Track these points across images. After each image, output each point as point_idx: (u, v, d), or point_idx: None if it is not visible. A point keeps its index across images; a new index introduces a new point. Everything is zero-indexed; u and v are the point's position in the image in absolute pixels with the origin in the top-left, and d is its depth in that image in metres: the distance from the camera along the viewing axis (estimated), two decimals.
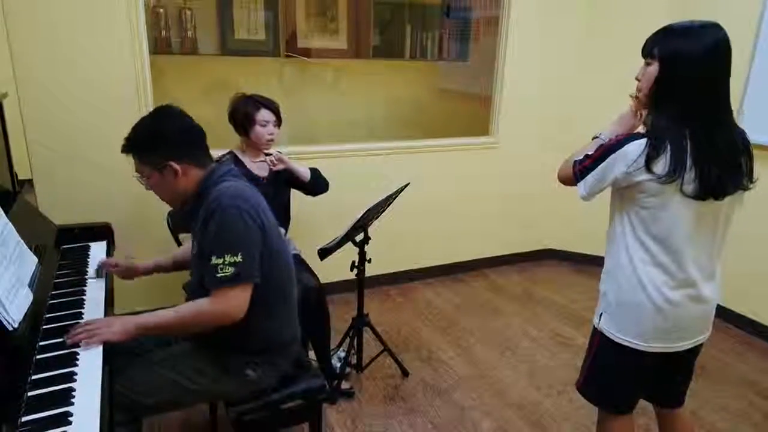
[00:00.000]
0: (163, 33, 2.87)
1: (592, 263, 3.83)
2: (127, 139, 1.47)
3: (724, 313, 2.95)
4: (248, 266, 1.38)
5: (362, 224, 2.19)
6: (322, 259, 2.11)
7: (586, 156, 1.36)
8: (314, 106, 3.36)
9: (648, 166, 1.23)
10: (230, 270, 1.35)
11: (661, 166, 1.22)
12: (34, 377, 1.18)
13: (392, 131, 3.52)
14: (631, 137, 1.28)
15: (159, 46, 2.83)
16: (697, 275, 1.35)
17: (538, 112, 3.55)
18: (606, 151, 1.30)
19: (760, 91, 2.76)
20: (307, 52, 3.35)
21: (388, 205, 2.30)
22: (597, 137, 1.43)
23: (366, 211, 2.12)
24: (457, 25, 3.68)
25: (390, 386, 2.43)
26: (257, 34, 3.14)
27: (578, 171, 1.37)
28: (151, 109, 2.48)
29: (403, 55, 3.57)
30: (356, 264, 2.34)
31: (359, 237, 2.28)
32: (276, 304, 1.54)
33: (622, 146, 1.27)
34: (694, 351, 1.49)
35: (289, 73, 3.43)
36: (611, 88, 3.39)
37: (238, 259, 1.35)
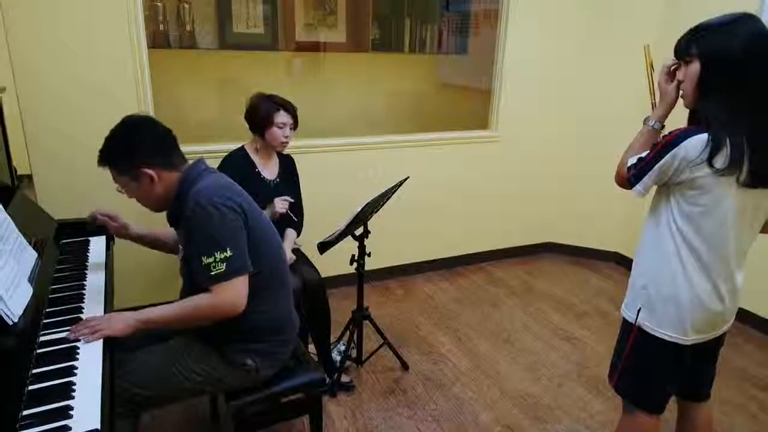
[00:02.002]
0: (162, 27, 2.86)
1: (591, 256, 3.84)
2: (100, 152, 1.48)
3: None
4: (239, 258, 1.41)
5: (361, 218, 2.19)
6: (321, 253, 2.12)
7: (640, 159, 1.35)
8: (314, 99, 3.35)
9: (710, 161, 1.22)
10: (223, 266, 1.38)
11: (721, 160, 1.22)
12: (34, 371, 1.19)
13: (392, 125, 3.52)
14: (686, 133, 1.26)
15: (157, 40, 2.82)
16: (736, 266, 1.37)
17: (539, 106, 3.54)
18: (662, 148, 1.28)
19: None
20: (306, 46, 3.34)
21: (388, 198, 2.30)
22: (646, 121, 1.43)
23: (365, 205, 2.12)
24: (456, 18, 3.66)
25: (390, 379, 2.44)
26: (256, 27, 3.13)
27: (632, 176, 1.36)
28: (150, 103, 2.49)
29: (402, 48, 3.55)
30: (356, 258, 2.34)
31: (359, 231, 2.29)
32: (270, 287, 1.56)
33: (680, 143, 1.25)
34: (721, 339, 1.50)
35: (288, 66, 3.42)
36: (612, 79, 3.42)
37: (228, 254, 1.38)
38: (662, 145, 1.29)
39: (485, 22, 3.57)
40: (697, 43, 1.27)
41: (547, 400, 2.33)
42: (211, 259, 1.37)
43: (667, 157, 1.27)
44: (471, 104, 3.67)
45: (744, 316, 2.95)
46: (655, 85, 1.48)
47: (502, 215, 3.72)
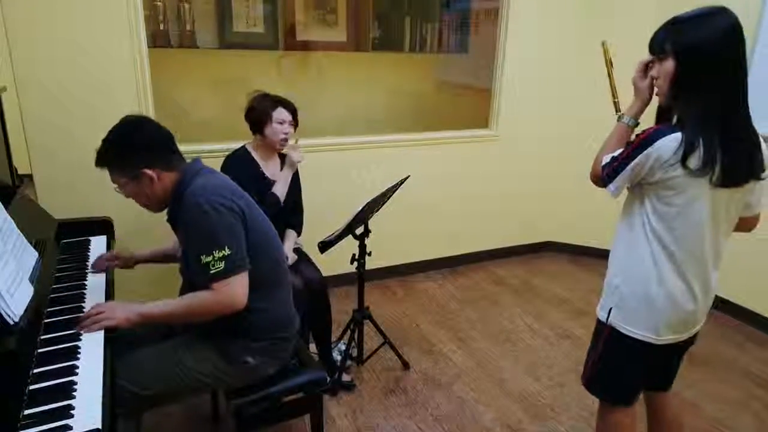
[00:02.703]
0: (162, 26, 2.86)
1: (590, 255, 3.84)
2: (98, 153, 1.49)
3: (723, 304, 2.96)
4: (238, 256, 1.41)
5: (362, 217, 2.19)
6: (322, 252, 2.12)
7: (613, 158, 1.33)
8: (314, 99, 3.35)
9: (684, 162, 1.21)
10: (222, 264, 1.39)
11: (694, 160, 1.21)
12: (35, 371, 1.19)
13: (392, 124, 3.51)
14: (660, 132, 1.24)
15: (157, 40, 2.82)
16: (710, 266, 1.36)
17: (538, 104, 3.54)
18: (636, 148, 1.27)
19: (759, 84, 2.74)
20: (306, 45, 3.34)
21: (388, 197, 2.30)
22: (620, 118, 1.42)
23: (366, 204, 2.12)
24: (456, 17, 3.66)
25: (390, 379, 2.44)
26: (256, 26, 3.13)
27: (606, 175, 1.35)
28: (150, 103, 2.49)
29: (402, 47, 3.55)
30: (356, 257, 2.34)
31: (359, 230, 2.28)
32: (270, 287, 1.57)
33: (653, 142, 1.23)
34: (691, 339, 1.50)
35: (288, 65, 3.42)
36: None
37: (227, 252, 1.39)
38: (636, 144, 1.28)
39: (485, 20, 3.56)
40: (671, 39, 1.26)
41: (548, 398, 2.33)
42: (210, 258, 1.38)
43: (641, 156, 1.26)
44: (471, 103, 3.66)
45: (746, 315, 2.95)
46: (615, 82, 1.47)
47: (502, 214, 3.72)
